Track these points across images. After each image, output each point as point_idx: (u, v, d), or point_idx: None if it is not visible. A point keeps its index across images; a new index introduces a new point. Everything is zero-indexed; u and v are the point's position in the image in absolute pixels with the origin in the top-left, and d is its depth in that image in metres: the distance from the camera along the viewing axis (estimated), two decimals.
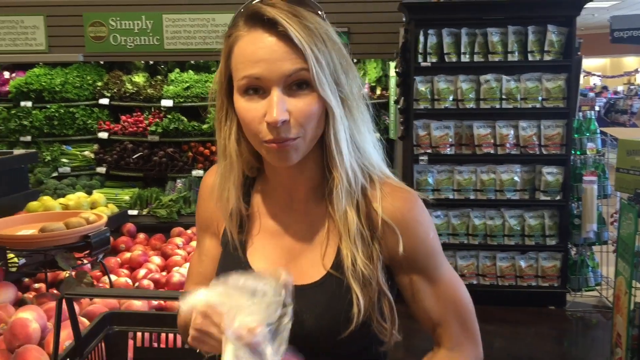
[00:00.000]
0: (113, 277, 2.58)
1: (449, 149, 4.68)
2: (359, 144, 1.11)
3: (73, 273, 2.26)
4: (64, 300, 1.29)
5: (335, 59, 1.06)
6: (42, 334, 1.82)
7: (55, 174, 5.42)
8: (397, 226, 1.11)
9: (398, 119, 4.91)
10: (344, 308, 1.08)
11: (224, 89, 1.11)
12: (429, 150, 4.67)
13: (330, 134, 1.07)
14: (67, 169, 5.46)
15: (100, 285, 2.49)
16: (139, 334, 1.44)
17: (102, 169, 5.44)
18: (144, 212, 5.18)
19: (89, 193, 5.16)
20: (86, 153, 5.51)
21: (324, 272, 1.11)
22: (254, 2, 1.05)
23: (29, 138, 5.43)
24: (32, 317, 1.82)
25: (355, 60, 5.50)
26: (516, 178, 4.64)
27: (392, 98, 5.15)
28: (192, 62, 5.55)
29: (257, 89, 1.03)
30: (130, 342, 1.45)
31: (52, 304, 2.04)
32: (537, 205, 4.68)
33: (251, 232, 1.20)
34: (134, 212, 5.10)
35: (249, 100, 1.04)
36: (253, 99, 1.04)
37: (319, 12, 1.08)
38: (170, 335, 1.42)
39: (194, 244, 3.05)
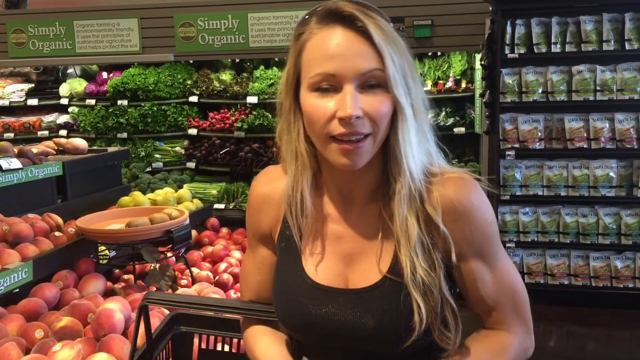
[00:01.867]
0: (195, 270, 2.67)
1: (537, 144, 4.50)
2: (424, 148, 1.10)
3: (157, 266, 2.36)
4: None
5: (406, 65, 1.06)
6: (126, 324, 1.93)
7: (149, 169, 5.68)
8: (453, 214, 1.09)
9: (484, 113, 4.78)
10: (405, 314, 1.06)
11: (292, 90, 1.11)
12: (517, 145, 4.50)
13: (399, 137, 1.06)
14: (160, 164, 5.71)
15: (184, 278, 2.59)
16: (204, 336, 1.47)
17: (191, 164, 5.64)
18: (231, 205, 5.32)
19: (180, 187, 5.38)
20: (177, 149, 5.74)
21: (380, 276, 1.10)
22: (329, 2, 1.07)
23: (125, 135, 5.72)
24: (117, 308, 1.92)
25: (439, 53, 5.41)
26: (612, 174, 4.39)
27: (478, 91, 5.01)
28: (277, 59, 5.63)
29: (329, 86, 1.03)
30: (195, 343, 1.48)
31: (138, 296, 2.15)
32: (635, 203, 4.41)
33: (308, 238, 1.18)
34: (221, 206, 5.26)
35: (319, 97, 1.04)
36: (324, 95, 1.04)
37: (387, 19, 1.08)
38: (235, 340, 1.44)
39: None
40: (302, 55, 1.07)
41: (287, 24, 5.27)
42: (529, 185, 4.55)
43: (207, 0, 5.47)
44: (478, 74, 4.96)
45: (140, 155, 5.67)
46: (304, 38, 1.07)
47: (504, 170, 4.56)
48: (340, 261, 1.15)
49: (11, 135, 5.90)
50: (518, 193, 4.56)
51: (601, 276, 4.45)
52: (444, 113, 5.29)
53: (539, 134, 4.49)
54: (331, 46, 1.03)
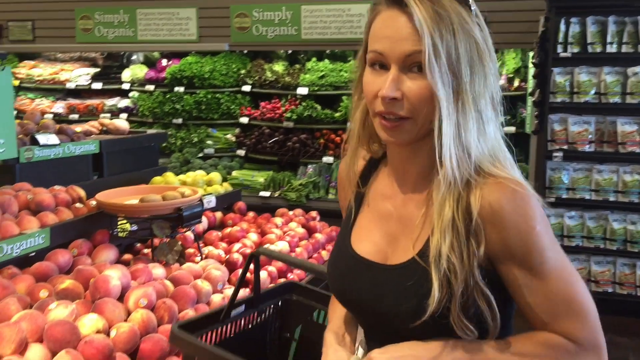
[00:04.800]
0: (211, 248, 2.76)
1: (587, 146, 4.34)
2: (465, 142, 1.07)
3: (166, 240, 2.46)
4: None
5: (462, 50, 1.05)
6: (122, 290, 2.03)
7: (200, 154, 5.87)
8: (489, 216, 1.06)
9: (533, 112, 4.65)
10: (423, 295, 1.06)
11: (363, 62, 1.17)
12: (565, 147, 4.36)
13: (436, 124, 1.07)
14: (212, 150, 5.88)
15: (199, 255, 2.68)
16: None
17: (241, 152, 5.78)
18: (276, 194, 5.42)
19: (229, 173, 5.52)
20: (229, 136, 5.88)
21: (410, 256, 1.12)
22: None
23: (180, 120, 5.92)
24: (115, 275, 2.03)
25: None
26: None
27: (530, 90, 4.87)
28: (328, 51, 5.68)
29: (382, 65, 1.10)
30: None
31: (141, 266, 2.25)
32: None
33: (362, 213, 1.26)
34: (267, 194, 5.37)
35: (372, 74, 1.11)
36: (377, 73, 1.10)
37: (465, 4, 1.08)
38: None
39: (292, 224, 3.15)
40: (370, 31, 1.13)
41: (339, 17, 5.30)
42: (576, 188, 4.40)
43: None
44: (531, 72, 4.83)
45: (194, 141, 5.85)
46: (373, 14, 1.13)
47: (550, 172, 4.42)
48: (384, 238, 1.20)
49: (76, 116, 6.23)
50: (564, 196, 4.41)
51: None
52: None
53: (590, 136, 4.33)
54: (384, 26, 1.09)
